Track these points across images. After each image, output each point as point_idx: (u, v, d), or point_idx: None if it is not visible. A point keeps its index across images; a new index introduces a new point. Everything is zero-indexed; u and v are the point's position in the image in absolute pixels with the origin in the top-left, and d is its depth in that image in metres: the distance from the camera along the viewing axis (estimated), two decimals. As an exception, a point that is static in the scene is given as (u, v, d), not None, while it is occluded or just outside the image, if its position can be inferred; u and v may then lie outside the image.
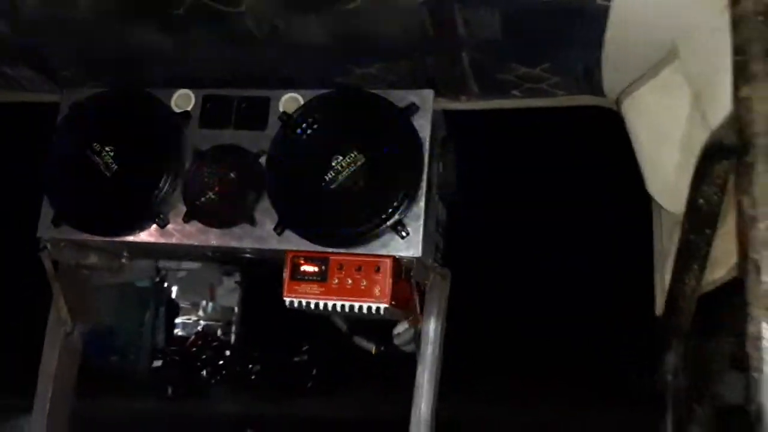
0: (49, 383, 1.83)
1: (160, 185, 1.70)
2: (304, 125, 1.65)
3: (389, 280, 1.58)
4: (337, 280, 1.60)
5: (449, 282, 1.83)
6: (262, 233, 1.65)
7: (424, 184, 1.61)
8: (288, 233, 1.64)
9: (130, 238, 1.73)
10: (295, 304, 1.62)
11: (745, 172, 0.91)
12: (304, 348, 16.11)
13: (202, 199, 1.69)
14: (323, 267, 1.61)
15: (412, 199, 1.59)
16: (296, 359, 15.31)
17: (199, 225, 1.69)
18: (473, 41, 1.53)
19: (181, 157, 1.72)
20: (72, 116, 1.80)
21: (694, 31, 1.20)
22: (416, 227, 1.59)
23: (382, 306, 1.58)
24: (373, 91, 1.67)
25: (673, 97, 1.31)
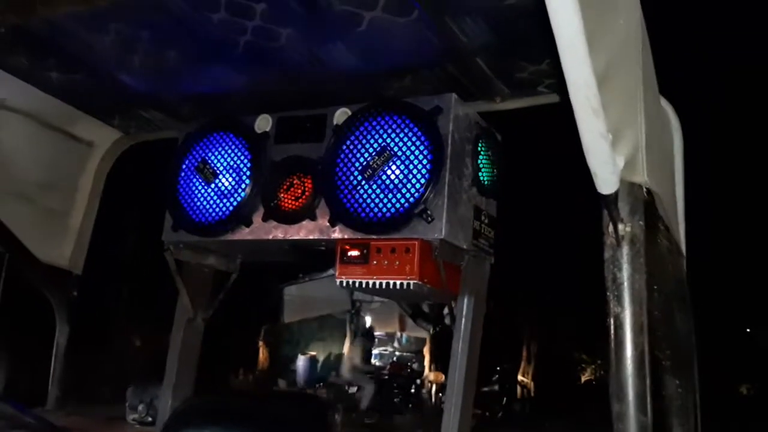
0: (175, 359, 2.28)
1: (246, 193, 2.10)
2: (348, 133, 1.96)
3: (417, 259, 1.81)
4: (375, 262, 1.86)
5: (488, 265, 2.01)
6: (321, 226, 1.97)
7: (447, 177, 1.83)
8: (339, 225, 1.94)
9: (226, 237, 2.14)
10: (344, 284, 1.91)
11: None
12: (494, 378, 16.11)
13: (275, 201, 2.05)
14: (365, 251, 1.88)
15: (436, 189, 1.82)
16: (485, 389, 15.36)
17: (274, 222, 2.05)
18: (476, 46, 1.76)
19: (262, 169, 2.11)
20: (184, 144, 2.27)
21: None
22: (440, 213, 1.81)
23: (412, 281, 1.81)
24: (406, 99, 1.93)
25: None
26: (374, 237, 1.88)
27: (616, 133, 0.94)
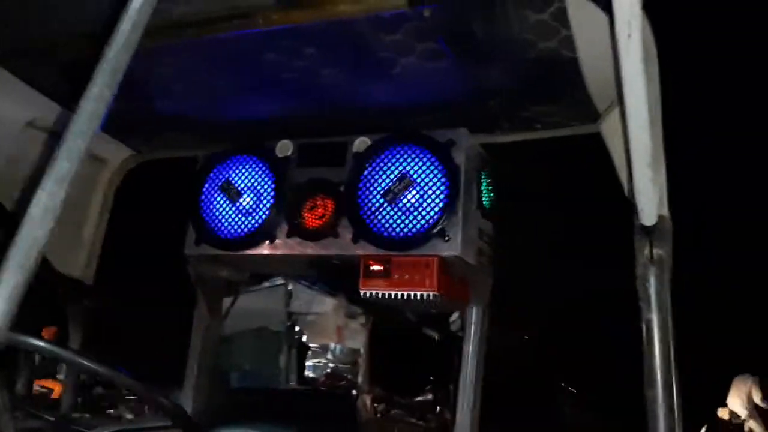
0: (195, 363, 2.45)
1: (270, 212, 2.31)
2: (370, 160, 2.21)
3: (436, 274, 2.07)
4: (397, 276, 2.11)
5: (491, 278, 2.29)
6: (343, 243, 2.20)
7: (461, 201, 2.10)
8: (361, 242, 2.17)
9: (250, 252, 2.33)
10: (368, 295, 2.15)
11: None
12: (428, 387, 16.48)
13: (299, 219, 2.27)
14: (387, 266, 2.13)
15: (452, 212, 2.08)
16: (419, 398, 15.70)
17: (298, 239, 2.27)
18: (491, 89, 2.04)
19: (284, 190, 2.32)
20: (206, 165, 2.45)
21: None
22: (455, 233, 2.07)
23: (431, 293, 2.06)
24: (422, 131, 2.19)
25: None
26: (395, 253, 2.13)
27: (657, 171, 1.22)
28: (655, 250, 1.25)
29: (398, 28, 1.74)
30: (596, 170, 2.17)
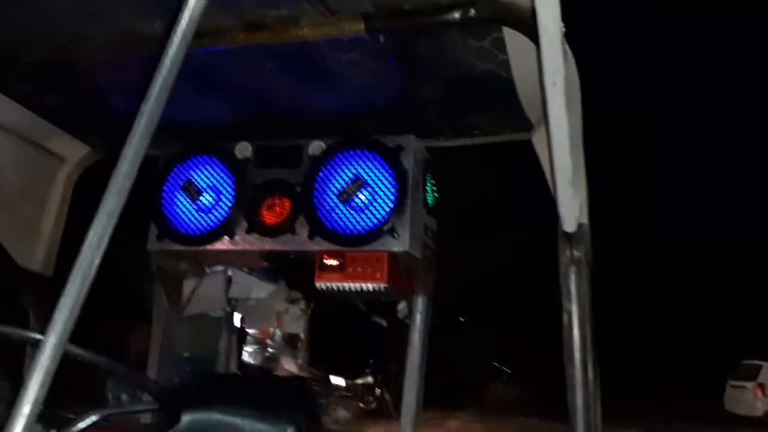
0: (157, 352, 2.60)
1: (230, 210, 2.46)
2: (325, 162, 2.39)
3: (386, 267, 2.28)
4: (351, 269, 2.31)
5: (434, 270, 2.52)
6: (300, 239, 2.38)
7: (409, 201, 2.31)
8: (317, 238, 2.36)
9: (210, 247, 2.49)
10: (324, 288, 2.34)
11: None
12: (368, 370, 16.81)
13: (258, 216, 2.44)
14: (341, 260, 2.32)
15: (401, 211, 2.29)
16: (360, 381, 16.03)
17: (257, 235, 2.43)
18: (435, 99, 2.26)
19: (243, 189, 2.48)
20: (166, 164, 2.58)
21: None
22: (404, 230, 2.28)
23: (382, 285, 2.28)
24: (373, 137, 2.39)
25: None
26: (348, 249, 2.33)
27: (578, 186, 1.46)
28: (574, 252, 1.49)
29: (354, 49, 1.92)
30: (526, 173, 2.43)
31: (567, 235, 1.50)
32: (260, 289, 3.33)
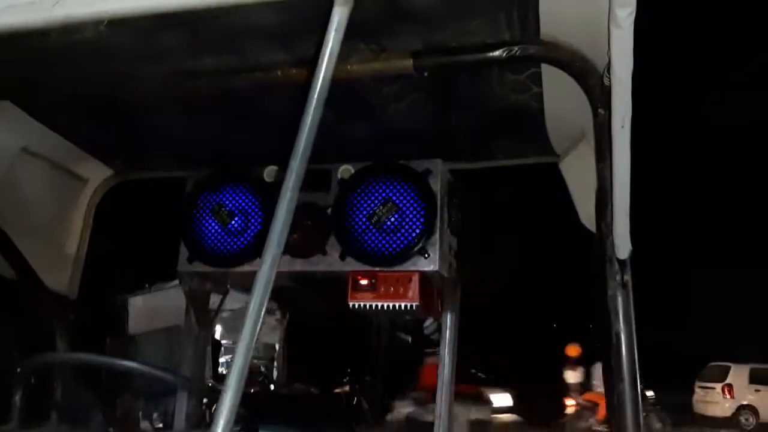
0: (188, 369, 2.66)
1: (259, 233, 2.54)
2: (355, 186, 2.48)
3: (418, 287, 2.38)
4: (383, 289, 2.40)
5: (460, 288, 2.63)
6: (331, 260, 2.47)
7: (437, 223, 2.41)
8: (348, 259, 2.45)
9: (241, 269, 2.56)
10: (356, 306, 2.43)
11: None
12: (345, 380, 16.86)
13: (288, 238, 2.51)
14: (373, 280, 2.42)
15: (430, 233, 2.40)
16: (338, 390, 16.06)
17: (288, 257, 2.51)
18: (462, 129, 2.37)
19: (271, 211, 2.55)
20: (196, 189, 2.65)
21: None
22: (434, 251, 2.39)
23: (414, 304, 2.37)
24: (401, 162, 2.49)
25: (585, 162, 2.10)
26: (379, 269, 2.42)
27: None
28: (624, 277, 1.62)
29: (396, 83, 2.03)
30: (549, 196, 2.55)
31: (619, 261, 1.62)
32: (234, 300, 3.43)
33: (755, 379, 19.78)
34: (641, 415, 1.61)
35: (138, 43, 1.82)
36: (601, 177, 1.67)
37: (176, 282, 3.35)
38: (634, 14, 1.30)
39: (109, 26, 1.38)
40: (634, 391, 1.60)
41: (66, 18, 1.22)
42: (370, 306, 2.41)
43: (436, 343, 2.65)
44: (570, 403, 15.67)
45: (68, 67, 2.03)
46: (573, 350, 15.73)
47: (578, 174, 2.17)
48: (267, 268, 1.19)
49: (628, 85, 1.41)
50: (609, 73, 1.46)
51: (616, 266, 1.64)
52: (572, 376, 15.52)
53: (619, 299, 1.63)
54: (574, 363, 15.61)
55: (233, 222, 2.58)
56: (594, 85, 1.70)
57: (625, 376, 1.61)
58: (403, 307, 2.39)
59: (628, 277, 1.62)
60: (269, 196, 2.58)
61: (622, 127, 1.44)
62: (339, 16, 1.25)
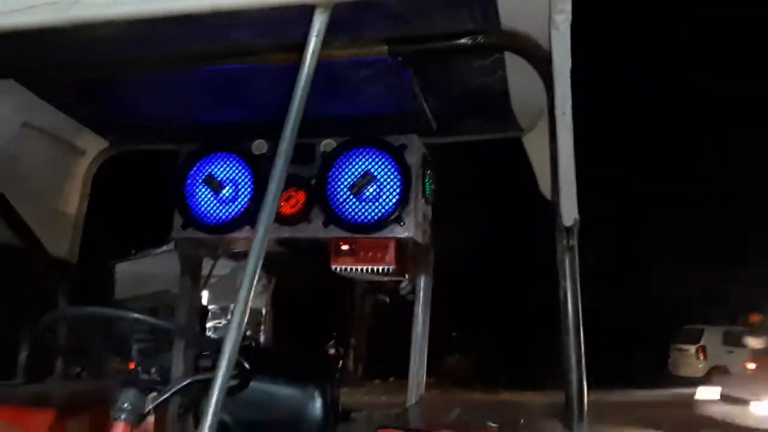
0: (184, 323, 2.88)
1: (249, 202, 2.75)
2: (336, 159, 2.69)
3: (394, 252, 2.61)
4: (362, 253, 2.63)
5: (433, 252, 2.86)
6: (315, 227, 2.68)
7: (413, 194, 2.63)
8: (331, 226, 2.67)
9: (232, 235, 2.77)
10: (338, 269, 2.65)
11: None
12: (330, 343, 17.22)
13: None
14: (354, 246, 2.64)
15: (406, 202, 2.61)
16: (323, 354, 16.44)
17: (276, 224, 2.72)
18: (435, 108, 2.57)
19: (261, 182, 2.75)
20: (188, 159, 2.84)
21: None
22: (409, 219, 2.61)
23: (390, 267, 2.60)
24: (380, 137, 2.69)
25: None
26: (359, 236, 2.64)
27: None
28: (570, 242, 1.85)
29: (373, 66, 2.22)
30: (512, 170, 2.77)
31: (566, 227, 1.85)
32: (221, 266, 3.59)
33: (728, 340, 20.43)
34: (583, 361, 1.86)
35: (135, 33, 1.99)
36: (552, 153, 1.89)
37: (164, 249, 3.54)
38: (570, 19, 1.50)
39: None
40: (577, 340, 1.85)
41: (83, 19, 1.39)
42: (351, 269, 2.64)
43: (412, 303, 2.89)
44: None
45: (69, 51, 2.20)
46: (755, 317, 16.39)
47: (538, 149, 2.39)
48: (261, 232, 1.39)
49: (567, 78, 1.62)
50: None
51: (564, 232, 1.87)
52: (756, 342, 15.96)
53: (567, 261, 1.87)
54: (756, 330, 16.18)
55: (224, 191, 2.78)
56: (548, 70, 1.92)
57: (570, 329, 1.85)
58: (380, 270, 2.61)
59: (573, 242, 1.85)
60: (258, 167, 2.78)
61: (564, 113, 1.66)
62: (319, 23, 1.43)
